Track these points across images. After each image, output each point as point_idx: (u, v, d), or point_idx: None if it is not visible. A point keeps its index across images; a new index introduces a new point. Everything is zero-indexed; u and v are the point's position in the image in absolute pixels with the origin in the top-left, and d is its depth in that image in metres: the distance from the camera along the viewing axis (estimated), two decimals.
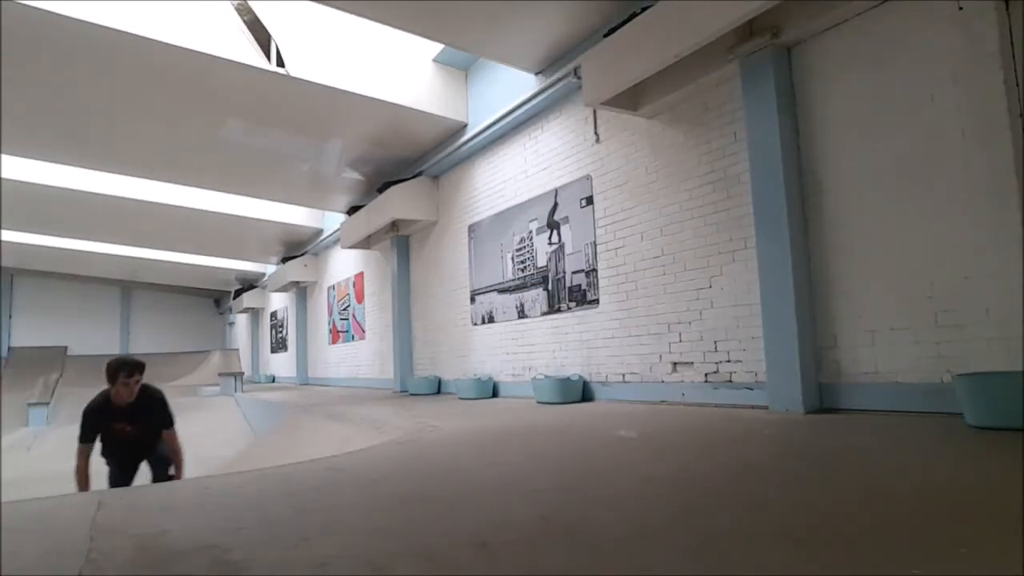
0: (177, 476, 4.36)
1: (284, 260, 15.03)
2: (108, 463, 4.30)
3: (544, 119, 6.76)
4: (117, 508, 2.25)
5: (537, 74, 6.56)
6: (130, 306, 24.30)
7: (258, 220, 12.73)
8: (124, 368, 4.06)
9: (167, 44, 5.94)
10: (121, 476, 4.30)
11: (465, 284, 8.29)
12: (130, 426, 4.16)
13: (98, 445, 4.17)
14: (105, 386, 4.11)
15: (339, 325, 13.17)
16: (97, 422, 4.12)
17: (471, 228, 8.18)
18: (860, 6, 3.86)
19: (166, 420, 4.33)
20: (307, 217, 13.37)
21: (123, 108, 7.49)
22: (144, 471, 4.46)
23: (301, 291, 15.37)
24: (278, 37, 6.53)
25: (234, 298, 20.32)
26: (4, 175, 9.70)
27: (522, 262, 7.09)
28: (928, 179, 3.57)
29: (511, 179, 7.34)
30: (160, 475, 4.40)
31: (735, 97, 4.61)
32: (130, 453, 4.33)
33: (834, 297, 4.03)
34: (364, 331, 11.82)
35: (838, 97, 4.05)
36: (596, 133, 5.98)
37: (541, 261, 6.77)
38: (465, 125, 7.90)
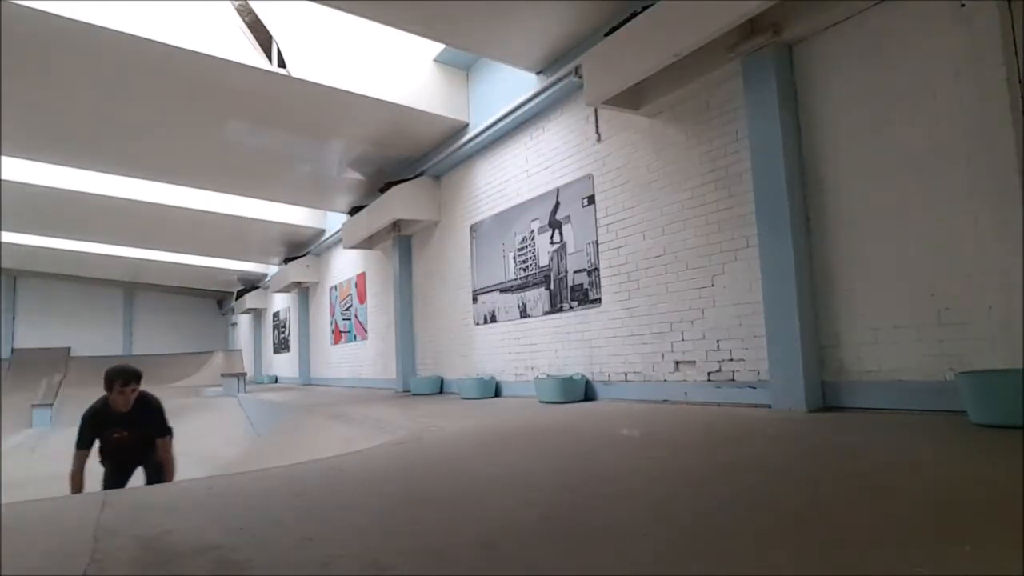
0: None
1: (286, 261, 15.06)
2: (104, 465, 4.34)
3: (545, 119, 6.76)
4: (121, 509, 2.25)
5: (538, 73, 6.56)
6: (133, 307, 24.38)
7: (260, 221, 12.75)
8: (120, 377, 4.11)
9: (168, 45, 5.95)
10: (115, 479, 4.32)
11: (467, 284, 8.29)
12: (126, 432, 4.21)
13: (97, 447, 4.21)
14: (104, 392, 4.15)
15: (341, 325, 13.19)
16: (95, 428, 4.17)
17: (473, 228, 8.18)
18: (862, 4, 3.85)
19: (162, 429, 4.38)
20: (309, 217, 13.38)
21: (125, 109, 7.51)
22: (138, 475, 4.50)
23: (303, 291, 15.39)
24: (279, 38, 6.54)
25: (236, 299, 20.34)
26: (6, 176, 9.73)
27: (524, 262, 7.09)
28: (930, 176, 3.56)
29: (512, 179, 7.34)
30: (153, 481, 4.44)
31: (736, 96, 4.60)
32: (126, 458, 4.37)
33: (836, 295, 4.03)
34: (366, 331, 11.83)
35: (840, 95, 4.04)
36: (597, 132, 5.97)
37: (543, 260, 6.77)
38: (466, 125, 7.90)
